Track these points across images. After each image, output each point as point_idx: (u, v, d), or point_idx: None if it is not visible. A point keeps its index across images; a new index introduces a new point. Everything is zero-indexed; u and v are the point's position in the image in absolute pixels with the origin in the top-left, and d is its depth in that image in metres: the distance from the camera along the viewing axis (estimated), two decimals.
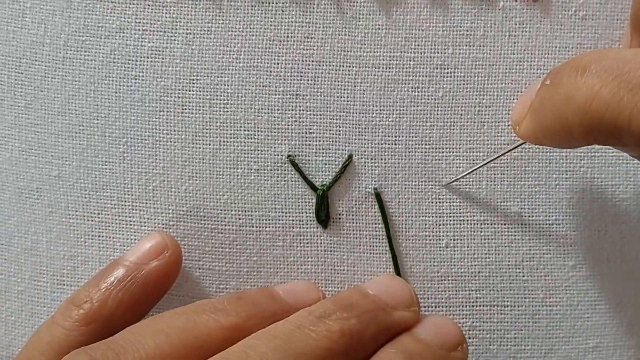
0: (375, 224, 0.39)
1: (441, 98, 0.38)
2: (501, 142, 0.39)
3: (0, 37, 0.40)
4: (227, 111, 0.39)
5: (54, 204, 0.40)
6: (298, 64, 0.39)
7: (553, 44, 0.38)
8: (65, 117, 0.39)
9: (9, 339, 0.41)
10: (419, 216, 0.39)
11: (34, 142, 0.40)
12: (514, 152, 0.39)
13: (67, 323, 0.35)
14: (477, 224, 0.39)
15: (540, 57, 0.38)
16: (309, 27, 0.38)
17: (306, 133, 0.39)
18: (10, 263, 0.41)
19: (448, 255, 0.39)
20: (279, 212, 0.39)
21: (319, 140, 0.39)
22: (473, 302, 0.39)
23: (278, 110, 0.39)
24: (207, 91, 0.39)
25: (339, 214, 0.39)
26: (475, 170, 0.38)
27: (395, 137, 0.39)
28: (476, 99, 0.39)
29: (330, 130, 0.39)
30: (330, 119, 0.39)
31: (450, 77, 0.38)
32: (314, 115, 0.39)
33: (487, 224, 0.39)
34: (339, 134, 0.39)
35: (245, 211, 0.39)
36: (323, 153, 0.39)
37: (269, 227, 0.39)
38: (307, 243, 0.39)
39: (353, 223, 0.39)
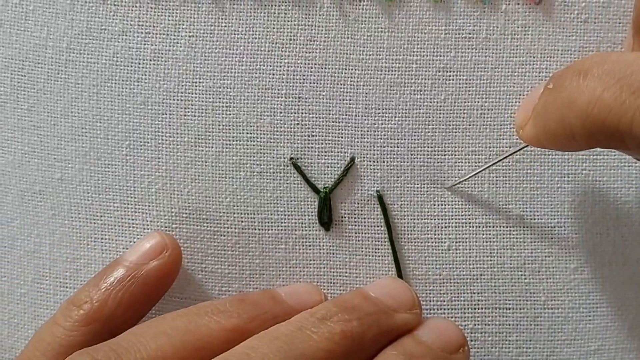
0: (378, 226, 0.39)
1: (443, 101, 0.39)
2: (503, 145, 0.39)
3: (4, 39, 0.40)
4: (230, 114, 0.39)
5: (56, 206, 0.40)
6: (300, 67, 0.39)
7: (555, 47, 0.38)
8: (68, 119, 0.40)
9: (12, 341, 0.41)
10: (421, 219, 0.39)
11: (37, 145, 0.40)
12: (516, 155, 0.39)
13: (68, 323, 0.35)
14: (479, 226, 0.39)
15: (542, 60, 0.38)
16: (312, 30, 0.38)
17: (309, 136, 0.39)
18: (13, 265, 0.41)
19: (450, 257, 0.39)
20: (282, 215, 0.39)
21: (322, 143, 0.39)
22: (475, 305, 0.39)
23: (280, 113, 0.39)
24: (209, 94, 0.39)
25: (342, 217, 0.39)
26: (478, 173, 0.39)
27: (398, 139, 0.39)
28: (478, 101, 0.39)
29: (332, 133, 0.39)
30: (333, 121, 0.39)
31: (453, 80, 0.38)
32: (316, 118, 0.39)
33: (489, 227, 0.39)
34: (342, 137, 0.39)
35: (248, 214, 0.39)
36: (325, 156, 0.39)
37: (272, 229, 0.39)
38: (310, 246, 0.39)
39: (355, 226, 0.39)
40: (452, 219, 0.39)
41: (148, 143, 0.39)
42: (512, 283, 0.39)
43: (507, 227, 0.39)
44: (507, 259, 0.39)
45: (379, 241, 0.39)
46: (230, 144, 0.39)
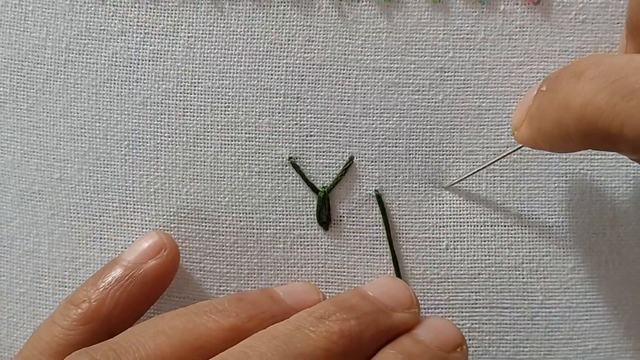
0: (376, 226, 0.39)
1: (441, 101, 0.39)
2: (501, 145, 0.39)
3: (3, 40, 0.40)
4: (229, 114, 0.39)
5: (55, 206, 0.40)
6: (299, 67, 0.39)
7: (553, 48, 0.38)
8: (67, 120, 0.40)
9: (10, 340, 0.41)
10: (420, 218, 0.39)
11: (36, 145, 0.40)
12: (514, 155, 0.39)
13: (66, 322, 0.35)
14: (477, 226, 0.39)
15: (540, 61, 0.39)
16: (310, 30, 0.39)
17: (307, 136, 0.39)
18: (12, 265, 0.41)
19: (448, 257, 0.39)
20: (280, 214, 0.39)
21: (320, 143, 0.39)
22: (472, 304, 0.40)
23: (279, 113, 0.39)
24: (208, 94, 0.39)
25: (340, 216, 0.39)
26: (474, 173, 0.39)
27: (396, 139, 0.39)
28: (476, 102, 0.39)
29: (331, 132, 0.39)
30: (332, 121, 0.39)
31: (451, 80, 0.38)
32: (315, 118, 0.39)
33: (487, 226, 0.39)
34: (340, 137, 0.39)
35: (247, 213, 0.39)
36: (324, 155, 0.39)
37: (270, 229, 0.39)
38: (308, 245, 0.40)
39: (354, 225, 0.39)
40: (450, 219, 0.39)
41: (147, 143, 0.39)
42: (510, 282, 0.39)
43: (504, 226, 0.39)
44: (504, 258, 0.39)
45: (377, 240, 0.39)
46: (229, 144, 0.39)
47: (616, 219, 0.39)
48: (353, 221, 0.39)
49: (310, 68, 0.39)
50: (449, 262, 0.39)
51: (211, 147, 0.39)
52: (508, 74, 0.39)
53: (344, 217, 0.39)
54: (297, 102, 0.39)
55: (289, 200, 0.39)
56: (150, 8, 0.39)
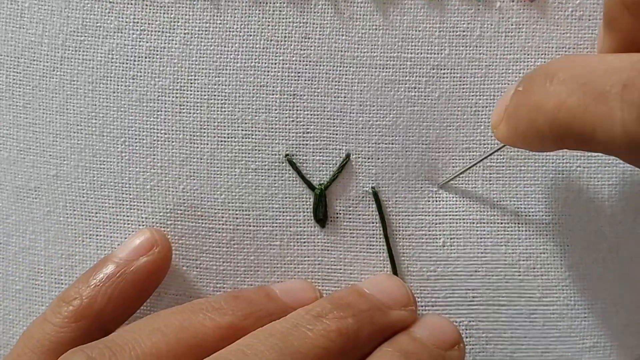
0: (373, 223, 0.39)
1: (438, 98, 0.39)
2: (497, 142, 0.39)
3: None
4: (225, 111, 0.39)
5: (52, 203, 0.40)
6: (295, 64, 0.39)
7: (549, 45, 0.38)
8: (64, 116, 0.40)
9: (6, 337, 0.41)
10: (416, 215, 0.39)
11: (32, 142, 0.40)
12: (510, 152, 0.39)
13: (57, 320, 0.35)
14: (474, 223, 0.39)
15: (536, 58, 0.39)
16: (307, 27, 0.39)
17: (304, 133, 0.39)
18: (8, 262, 0.41)
19: (445, 254, 0.39)
20: (277, 212, 0.39)
21: (317, 140, 0.39)
22: (469, 301, 0.39)
23: (276, 110, 0.39)
24: (204, 91, 0.39)
25: (337, 213, 0.39)
26: (465, 171, 0.39)
27: (393, 136, 0.39)
28: (472, 99, 0.39)
29: (327, 129, 0.39)
30: (328, 118, 0.39)
31: (447, 77, 0.38)
32: (311, 115, 0.39)
33: (484, 223, 0.39)
34: (337, 134, 0.39)
35: (243, 210, 0.39)
36: (320, 152, 0.39)
37: (267, 226, 0.39)
38: (305, 242, 0.39)
39: (350, 222, 0.39)
40: (447, 216, 0.39)
41: (143, 140, 0.39)
42: (507, 280, 0.39)
43: (501, 223, 0.39)
44: (501, 255, 0.39)
45: (374, 238, 0.39)
46: (225, 141, 0.39)
47: (614, 217, 0.39)
48: (349, 218, 0.39)
49: (306, 65, 0.39)
50: (446, 259, 0.39)
51: (207, 144, 0.39)
52: (504, 71, 0.39)
53: (340, 214, 0.39)
54: (294, 99, 0.39)
55: (286, 198, 0.39)
56: (147, 5, 0.39)
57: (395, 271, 0.39)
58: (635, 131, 0.27)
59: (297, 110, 0.39)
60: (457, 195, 0.39)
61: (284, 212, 0.39)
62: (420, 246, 0.39)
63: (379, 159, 0.39)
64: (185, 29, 0.39)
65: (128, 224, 0.40)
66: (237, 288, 0.40)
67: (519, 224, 0.39)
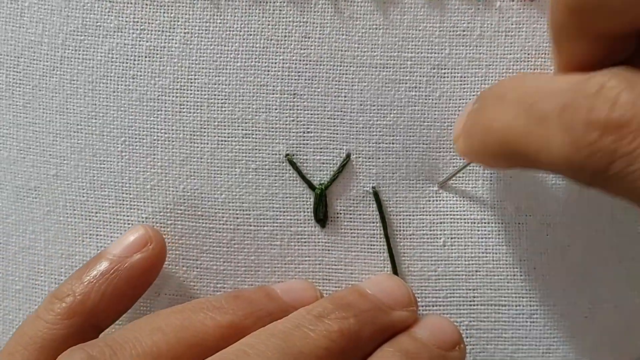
0: (373, 223, 0.39)
1: (438, 98, 0.39)
2: None
3: None
4: (225, 110, 0.39)
5: (51, 202, 0.40)
6: (296, 64, 0.39)
7: (549, 45, 0.38)
8: (64, 116, 0.40)
9: (6, 338, 0.40)
10: (417, 215, 0.39)
11: (32, 141, 0.40)
12: None
13: (50, 317, 0.35)
14: (475, 222, 0.39)
15: (536, 57, 0.39)
16: (307, 26, 0.39)
17: (304, 132, 0.39)
18: (8, 262, 0.41)
19: (445, 254, 0.39)
20: (277, 211, 0.39)
21: (317, 140, 0.39)
22: (470, 301, 0.39)
23: (276, 109, 0.39)
24: (205, 90, 0.39)
25: (337, 213, 0.39)
26: (461, 170, 0.38)
27: (393, 136, 0.39)
28: (473, 98, 0.39)
29: (328, 129, 0.39)
30: (328, 118, 0.39)
31: (447, 77, 0.38)
32: (311, 114, 0.39)
33: (485, 223, 0.39)
34: (337, 133, 0.39)
35: (243, 210, 0.39)
36: (321, 152, 0.39)
37: (267, 226, 0.39)
38: (305, 242, 0.39)
39: (351, 222, 0.39)
40: (448, 216, 0.39)
41: (143, 140, 0.39)
42: (508, 280, 0.39)
43: (502, 223, 0.39)
44: (502, 255, 0.39)
45: (374, 237, 0.39)
46: (225, 141, 0.39)
47: (615, 216, 0.39)
48: (350, 218, 0.39)
49: (306, 64, 0.39)
50: (447, 259, 0.39)
51: (208, 144, 0.39)
52: (505, 71, 0.39)
53: (340, 214, 0.39)
54: (294, 98, 0.39)
55: (286, 197, 0.39)
56: (147, 4, 0.39)
57: (395, 271, 0.39)
58: (571, 156, 0.27)
59: (298, 109, 0.39)
60: (458, 195, 0.39)
61: (284, 212, 0.39)
62: (421, 246, 0.39)
63: (379, 158, 0.39)
64: (185, 29, 0.39)
65: (128, 223, 0.40)
66: (237, 288, 0.40)
67: (519, 223, 0.39)
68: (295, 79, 0.39)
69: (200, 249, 0.40)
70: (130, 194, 0.40)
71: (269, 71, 0.39)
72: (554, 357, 0.40)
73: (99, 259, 0.37)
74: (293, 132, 0.39)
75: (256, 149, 0.39)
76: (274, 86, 0.39)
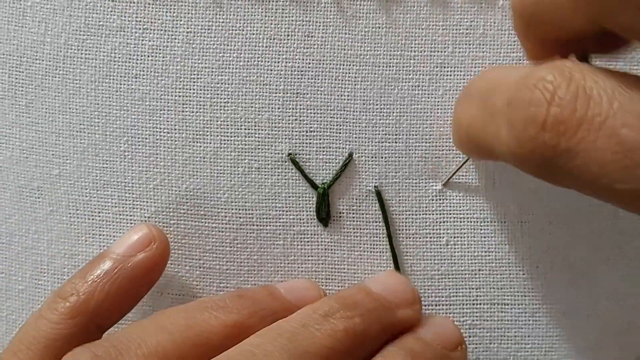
0: (376, 222, 0.39)
1: (441, 97, 0.39)
2: None
3: (1, 36, 0.40)
4: (228, 110, 0.39)
5: (54, 202, 0.40)
6: (298, 63, 0.39)
7: None
8: (66, 116, 0.40)
9: (10, 337, 0.41)
10: (420, 214, 0.39)
11: (35, 141, 0.40)
12: None
13: (54, 316, 0.35)
14: (478, 222, 0.39)
15: None
16: (310, 25, 0.38)
17: (307, 131, 0.39)
18: (11, 262, 0.41)
19: (448, 253, 0.39)
20: (280, 211, 0.39)
21: (320, 139, 0.39)
22: (473, 300, 0.39)
23: (278, 108, 0.39)
24: (207, 90, 0.39)
25: (340, 213, 0.39)
26: (461, 166, 0.38)
27: (396, 135, 0.39)
28: None
29: (330, 128, 0.39)
30: (331, 117, 0.39)
31: (451, 75, 0.38)
32: (314, 113, 0.39)
33: (487, 222, 0.39)
34: (340, 133, 0.39)
35: (246, 210, 0.39)
36: (323, 151, 0.39)
37: (270, 225, 0.39)
38: (308, 241, 0.39)
39: (353, 221, 0.39)
40: (451, 215, 0.39)
41: (146, 139, 0.39)
42: (511, 279, 0.39)
43: (505, 222, 0.39)
44: (505, 254, 0.39)
45: (377, 237, 0.39)
46: (228, 140, 0.39)
47: (617, 215, 0.39)
48: (353, 217, 0.39)
49: (309, 63, 0.39)
50: (450, 258, 0.39)
51: (210, 143, 0.39)
52: None
53: (343, 213, 0.39)
54: (297, 97, 0.39)
55: (289, 197, 0.39)
56: (149, 3, 0.39)
57: (398, 270, 0.39)
58: (515, 150, 0.27)
59: (300, 108, 0.39)
60: (461, 194, 0.39)
61: (287, 211, 0.39)
62: (424, 245, 0.39)
63: (382, 157, 0.39)
64: (188, 28, 0.39)
65: (131, 223, 0.40)
66: (240, 287, 0.40)
67: (522, 222, 0.39)
68: (298, 78, 0.39)
69: (203, 249, 0.40)
70: (133, 194, 0.40)
71: (271, 70, 0.39)
72: (556, 355, 0.40)
73: (102, 258, 0.37)
74: (296, 131, 0.39)
75: (259, 148, 0.39)
76: (276, 85, 0.39)
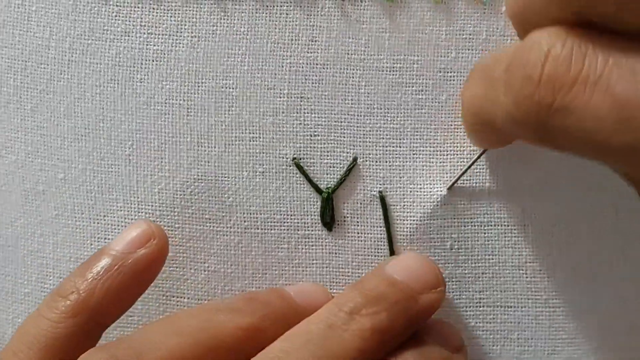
0: (380, 226, 0.39)
1: (445, 101, 0.39)
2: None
3: (6, 40, 0.40)
4: (232, 114, 0.39)
5: (60, 206, 0.40)
6: (302, 67, 0.39)
7: None
8: (71, 120, 0.40)
9: None
10: (424, 219, 0.39)
11: (40, 145, 0.40)
12: (516, 156, 0.39)
13: (54, 315, 0.35)
14: (481, 225, 0.39)
15: None
16: (314, 30, 0.39)
17: (311, 136, 0.39)
18: (17, 265, 0.41)
19: (452, 256, 0.39)
20: (284, 215, 0.39)
21: (324, 143, 0.39)
22: (477, 303, 0.40)
23: (283, 113, 0.39)
24: (212, 94, 0.39)
25: (344, 217, 0.39)
26: (468, 168, 0.39)
27: (400, 140, 0.39)
28: None
29: (335, 133, 0.39)
30: (335, 121, 0.39)
31: (454, 80, 0.38)
32: (318, 118, 0.39)
33: (491, 226, 0.39)
34: (344, 137, 0.39)
35: (251, 214, 0.39)
36: (328, 156, 0.39)
37: (274, 229, 0.39)
38: (312, 245, 0.40)
39: (358, 226, 0.39)
40: (454, 219, 0.39)
41: (151, 143, 0.39)
42: (514, 282, 0.39)
43: (508, 226, 0.39)
44: (508, 257, 0.39)
45: (381, 241, 0.39)
46: (232, 144, 0.39)
47: (620, 218, 0.39)
48: (357, 222, 0.39)
49: (313, 68, 0.39)
50: (453, 262, 0.39)
51: (215, 148, 0.39)
52: None
53: (347, 217, 0.39)
54: (301, 102, 0.39)
55: (293, 201, 0.39)
56: (154, 8, 0.39)
57: None
58: (513, 112, 0.28)
59: (304, 113, 0.39)
60: (464, 198, 0.39)
61: (291, 215, 0.39)
62: (428, 249, 0.39)
63: (386, 162, 0.39)
64: (192, 32, 0.39)
65: None
66: (245, 291, 0.40)
67: (525, 225, 0.39)
68: (302, 83, 0.39)
69: (207, 252, 0.40)
70: (137, 197, 0.40)
71: (275, 75, 0.39)
72: (559, 357, 0.40)
73: (101, 255, 0.36)
74: (300, 136, 0.39)
75: (263, 153, 0.39)
76: (280, 89, 0.39)
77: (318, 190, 0.39)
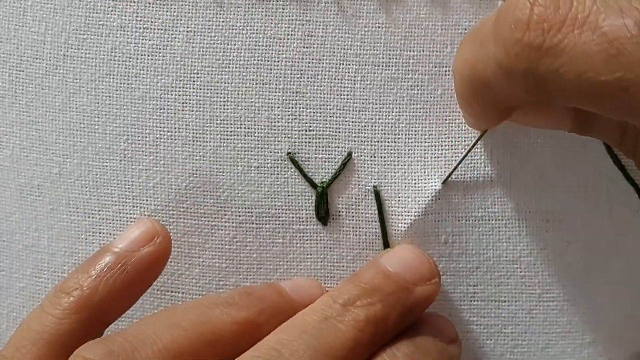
0: (375, 221, 0.39)
1: (440, 96, 0.39)
2: (500, 140, 0.39)
3: (1, 35, 0.40)
4: (228, 109, 0.39)
5: (55, 201, 0.40)
6: (298, 62, 0.39)
7: None
8: (66, 114, 0.40)
9: (10, 334, 0.41)
10: (419, 213, 0.39)
11: (35, 140, 0.40)
12: (511, 150, 0.39)
13: (57, 311, 0.35)
14: (475, 220, 0.39)
15: None
16: (309, 25, 0.39)
17: (306, 130, 0.39)
18: (12, 260, 0.41)
19: (447, 251, 0.39)
20: (279, 209, 0.39)
21: (319, 138, 0.39)
22: (471, 297, 0.40)
23: (278, 107, 0.39)
24: (207, 89, 0.39)
25: (339, 211, 0.39)
26: (461, 161, 0.39)
27: (395, 134, 0.39)
28: None
29: (330, 127, 0.39)
30: (330, 116, 0.39)
31: (449, 75, 0.38)
32: (313, 112, 0.39)
33: (485, 220, 0.39)
34: (339, 132, 0.39)
35: (245, 208, 0.39)
36: (323, 150, 0.39)
37: (269, 224, 0.39)
38: (307, 240, 0.40)
39: (352, 220, 0.39)
40: (449, 213, 0.39)
41: (146, 138, 0.39)
42: (508, 276, 0.40)
43: (502, 220, 0.39)
44: (502, 252, 0.39)
45: (375, 236, 0.39)
46: (227, 139, 0.39)
47: (614, 212, 0.39)
48: (352, 216, 0.39)
49: (309, 63, 0.39)
50: (448, 256, 0.39)
51: (210, 142, 0.39)
52: None
53: (342, 212, 0.39)
54: (296, 96, 0.39)
55: (288, 195, 0.39)
56: (149, 2, 0.39)
57: None
58: (503, 61, 0.28)
59: (300, 108, 0.39)
60: (459, 193, 0.39)
61: (286, 209, 0.39)
62: (423, 244, 0.39)
63: (381, 156, 0.39)
64: (188, 27, 0.39)
65: (131, 221, 0.40)
66: (240, 285, 0.40)
67: (519, 220, 0.39)
68: (297, 77, 0.39)
69: (202, 247, 0.40)
70: (132, 192, 0.40)
71: (271, 69, 0.39)
72: (553, 351, 0.40)
73: (105, 252, 0.36)
74: (295, 130, 0.39)
75: (258, 147, 0.39)
76: (276, 84, 0.39)
77: (313, 184, 0.39)
